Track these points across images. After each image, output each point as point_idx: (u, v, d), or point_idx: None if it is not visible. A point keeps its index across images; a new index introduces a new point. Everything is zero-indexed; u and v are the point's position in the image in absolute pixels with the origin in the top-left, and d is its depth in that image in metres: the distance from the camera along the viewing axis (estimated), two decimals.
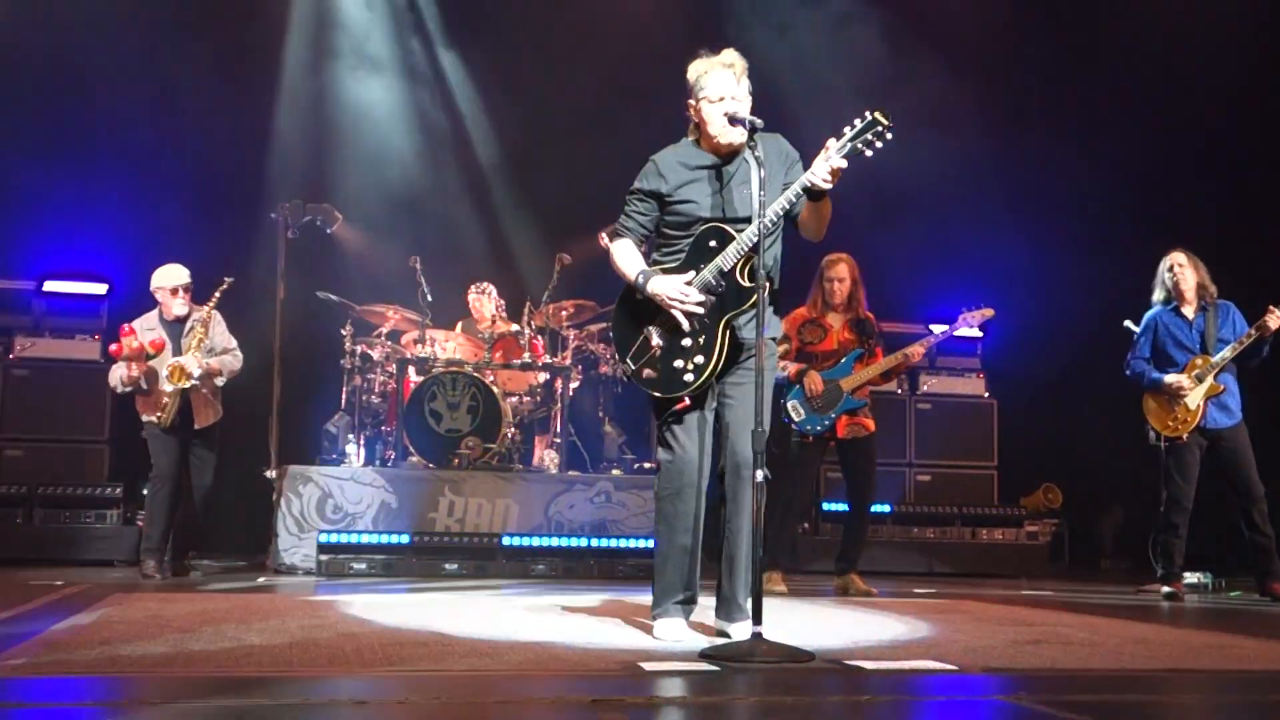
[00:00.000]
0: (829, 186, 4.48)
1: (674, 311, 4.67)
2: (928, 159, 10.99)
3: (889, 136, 4.44)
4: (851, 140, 4.45)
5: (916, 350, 7.62)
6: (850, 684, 3.88)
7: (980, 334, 10.34)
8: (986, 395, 10.44)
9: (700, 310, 4.64)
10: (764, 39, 10.60)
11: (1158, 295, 7.84)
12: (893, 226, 10.69)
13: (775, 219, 4.55)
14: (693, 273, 4.68)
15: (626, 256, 4.86)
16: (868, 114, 4.46)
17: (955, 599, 7.19)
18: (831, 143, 4.48)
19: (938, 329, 7.93)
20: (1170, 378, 7.62)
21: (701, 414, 4.78)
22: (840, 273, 7.54)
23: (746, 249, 4.60)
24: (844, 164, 4.45)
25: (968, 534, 9.87)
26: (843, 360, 7.50)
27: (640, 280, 4.75)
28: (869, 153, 4.46)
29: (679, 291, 4.66)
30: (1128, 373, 7.87)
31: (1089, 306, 10.64)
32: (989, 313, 7.67)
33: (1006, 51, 11.11)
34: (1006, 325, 10.86)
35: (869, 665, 4.14)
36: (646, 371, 4.76)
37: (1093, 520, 11.30)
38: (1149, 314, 7.87)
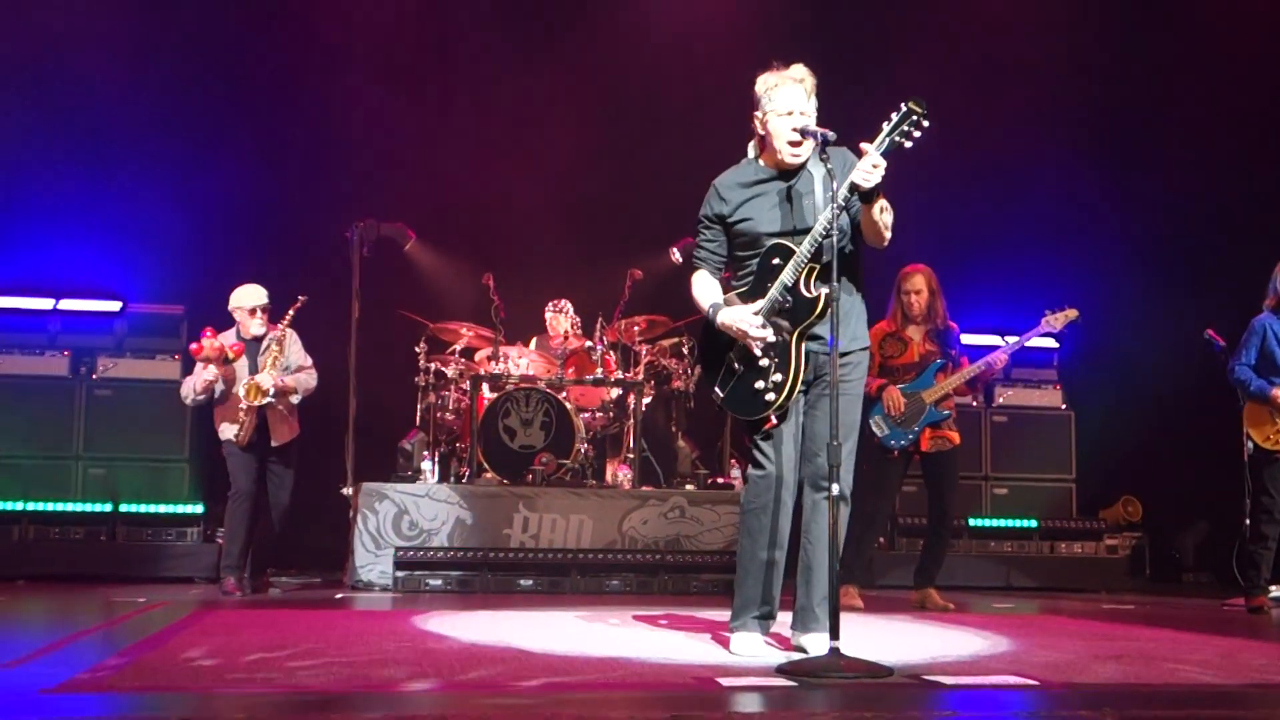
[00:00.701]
0: (869, 183, 4.44)
1: (746, 341, 4.69)
2: (1009, 170, 10.94)
3: (925, 124, 4.41)
4: (889, 134, 4.43)
5: (1000, 357, 7.52)
6: (930, 699, 3.84)
7: (1057, 345, 10.22)
8: (1064, 407, 10.30)
9: (769, 337, 4.64)
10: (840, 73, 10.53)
11: (1269, 301, 7.59)
12: (970, 237, 10.61)
13: (826, 228, 4.50)
14: (760, 300, 4.69)
15: (701, 288, 4.91)
16: (902, 105, 4.44)
17: (1034, 613, 7.10)
18: (868, 145, 4.46)
19: (1011, 339, 7.82)
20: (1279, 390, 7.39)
21: (791, 429, 4.77)
22: (917, 285, 7.45)
23: (805, 260, 4.58)
24: (881, 160, 4.42)
25: (1046, 547, 9.74)
26: (924, 372, 7.42)
27: (711, 314, 4.80)
28: (908, 144, 4.43)
29: (744, 323, 4.68)
30: (1231, 379, 7.63)
31: (1168, 315, 10.48)
32: (1073, 314, 7.50)
33: (1097, 66, 10.97)
34: (1084, 336, 10.71)
35: (949, 680, 4.10)
36: (734, 398, 4.78)
37: (1174, 533, 11.11)
38: (1257, 319, 7.58)
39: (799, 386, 4.67)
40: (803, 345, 4.67)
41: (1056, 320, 7.52)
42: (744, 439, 4.97)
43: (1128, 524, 10.53)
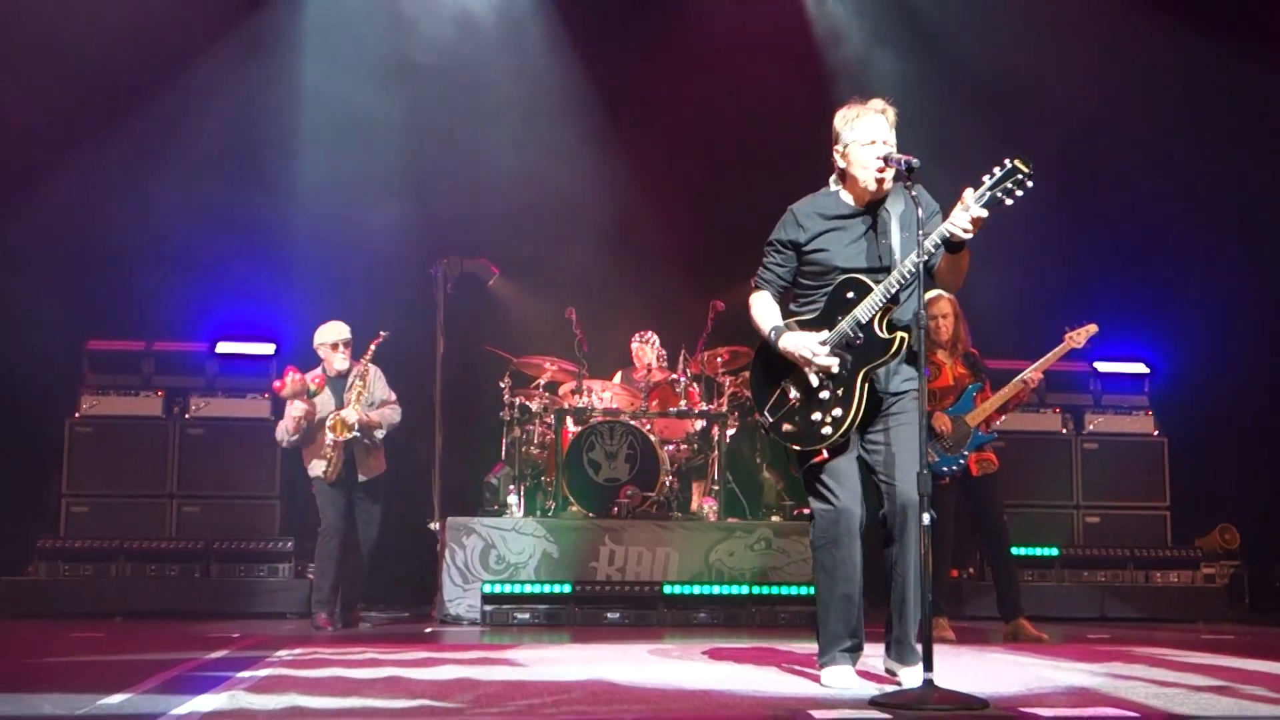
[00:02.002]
0: (969, 237, 4.42)
1: (806, 370, 4.66)
2: (1088, 184, 10.78)
3: (1029, 185, 4.36)
4: (990, 189, 4.39)
5: (1034, 375, 7.44)
6: None
7: (1147, 370, 10.07)
8: (1156, 433, 10.11)
9: (833, 368, 4.61)
10: (907, 84, 10.50)
11: None
12: (1039, 257, 10.49)
13: (913, 270, 4.49)
14: (826, 330, 4.66)
15: (762, 310, 4.89)
16: (1006, 162, 4.39)
17: (1131, 644, 6.95)
18: (969, 192, 4.42)
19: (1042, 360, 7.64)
20: None
21: (851, 461, 4.74)
22: (942, 309, 7.42)
23: (884, 301, 4.56)
24: (984, 214, 4.38)
25: (1140, 577, 9.54)
26: (962, 396, 7.38)
27: (773, 336, 4.77)
28: (1009, 201, 4.39)
29: (809, 351, 4.65)
30: None
31: (1263, 338, 10.26)
32: (1093, 329, 7.46)
33: (1173, 62, 10.78)
34: (1175, 360, 10.55)
35: (1046, 713, 4.03)
36: (785, 426, 4.75)
37: (1274, 561, 10.82)
38: None
39: (856, 424, 4.64)
40: (865, 385, 4.63)
41: (1078, 336, 7.46)
42: (790, 468, 4.91)
43: (1225, 552, 10.28)
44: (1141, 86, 10.69)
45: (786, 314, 4.86)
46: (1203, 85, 10.67)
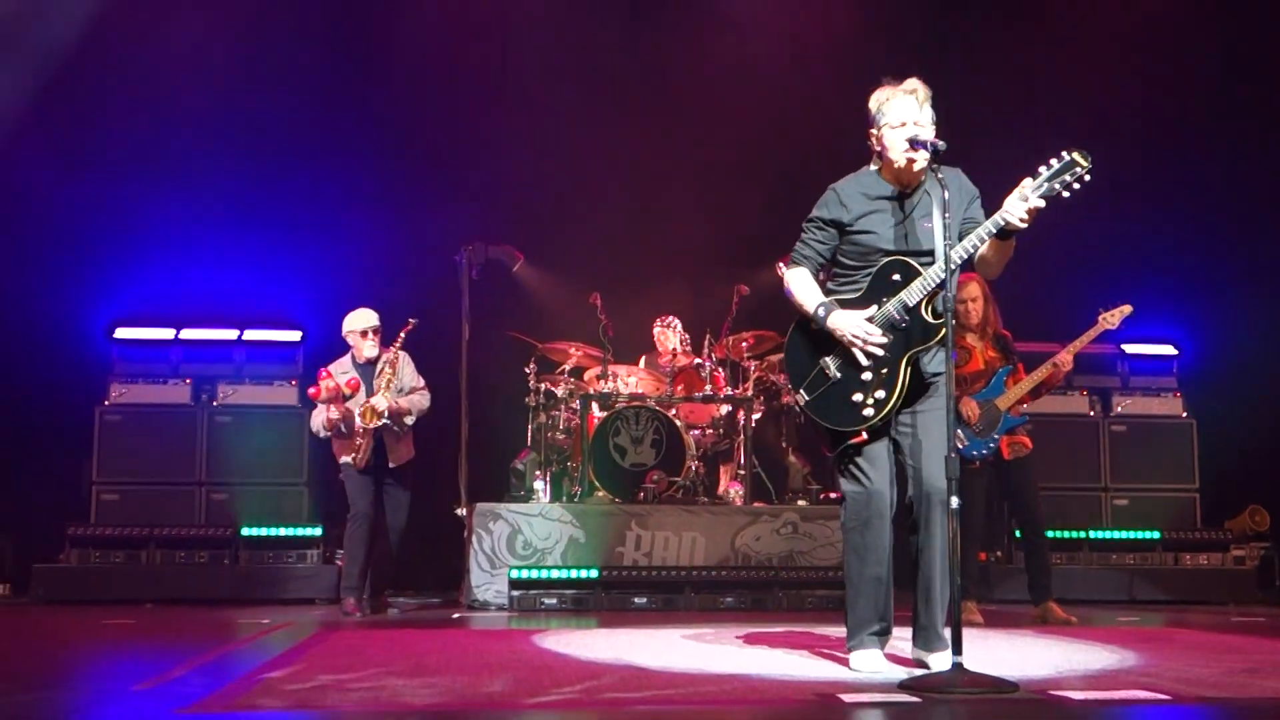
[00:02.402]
0: (1022, 226, 4.39)
1: (854, 349, 4.64)
2: (1107, 162, 10.69)
3: (1087, 179, 4.35)
4: (1048, 180, 4.37)
5: (1065, 358, 7.38)
6: (1058, 715, 3.78)
7: (1176, 351, 10.01)
8: (1185, 415, 10.05)
9: (881, 349, 4.60)
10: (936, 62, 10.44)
11: None
12: (1066, 238, 10.44)
13: (964, 255, 4.48)
14: (874, 307, 4.64)
15: (804, 286, 4.84)
16: (1065, 154, 4.37)
17: (1161, 626, 6.93)
18: (1027, 182, 4.39)
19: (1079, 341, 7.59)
20: None
21: (885, 444, 4.73)
22: (972, 293, 7.37)
23: (933, 284, 4.53)
24: (1042, 204, 4.36)
25: (1170, 559, 9.49)
26: (993, 380, 7.34)
27: (821, 313, 4.72)
28: (1066, 194, 4.37)
29: (862, 330, 4.62)
30: None
31: None
32: (1127, 309, 7.38)
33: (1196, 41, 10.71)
34: (1204, 341, 10.48)
35: (1076, 695, 4.02)
36: (823, 405, 4.73)
37: None
38: None
39: (898, 407, 4.63)
40: (909, 368, 4.62)
41: (1112, 318, 7.39)
42: (823, 448, 4.89)
43: (1255, 534, 10.23)
44: (1177, 66, 10.62)
45: (825, 292, 4.83)
46: (1237, 63, 10.60)
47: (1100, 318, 7.44)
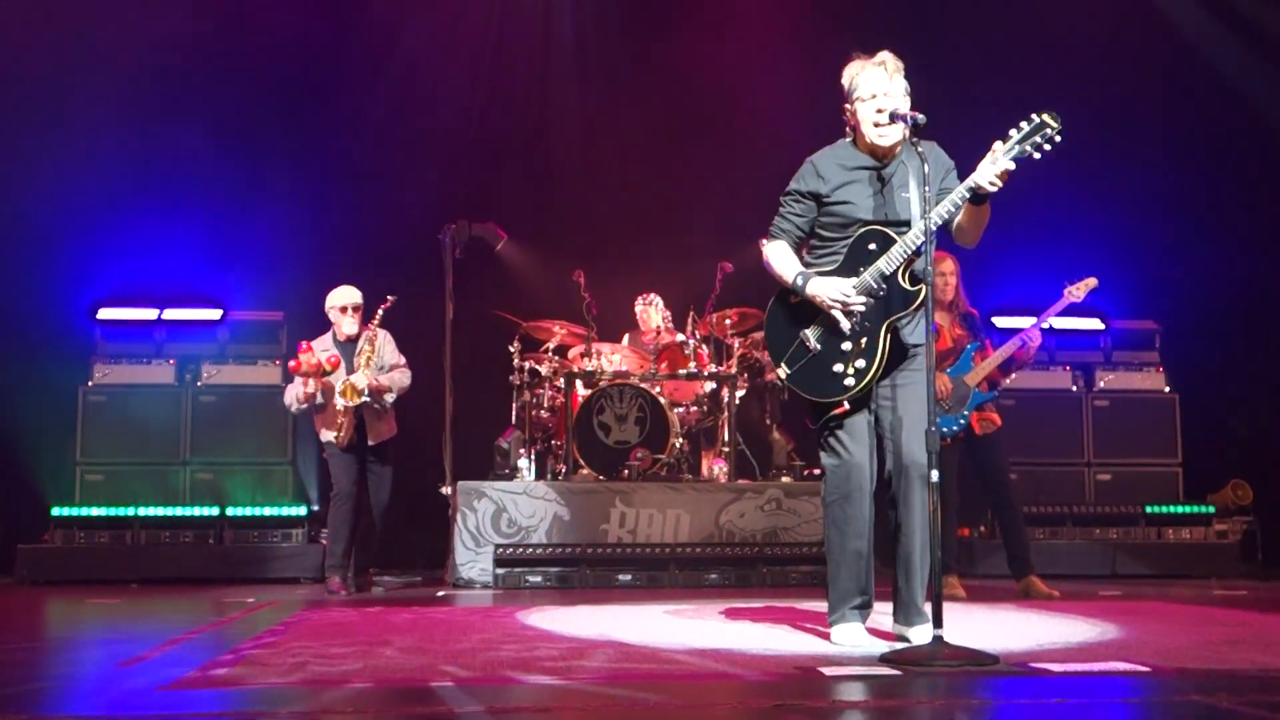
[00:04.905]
0: (995, 190, 4.41)
1: (834, 313, 4.64)
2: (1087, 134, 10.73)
3: (1058, 140, 4.36)
4: (1019, 143, 4.39)
5: (1033, 333, 7.43)
6: (1038, 687, 3.79)
7: (1157, 325, 10.05)
8: (1167, 390, 10.09)
9: (862, 310, 4.60)
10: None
11: None
12: (1044, 212, 10.47)
13: (939, 221, 4.49)
14: (854, 277, 4.64)
15: (782, 258, 4.84)
16: (1035, 117, 4.40)
17: (1143, 600, 6.97)
18: (998, 145, 4.42)
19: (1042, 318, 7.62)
20: None
21: (865, 417, 4.73)
22: (948, 268, 7.45)
23: (910, 252, 4.55)
24: (1012, 166, 4.39)
25: (1153, 534, 9.54)
26: (961, 357, 7.38)
27: (799, 282, 4.72)
28: (1037, 155, 4.39)
29: (840, 293, 4.62)
30: None
31: (1274, 289, 10.20)
32: (1092, 282, 7.41)
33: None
34: (1186, 315, 10.51)
35: (1056, 668, 4.04)
36: (805, 377, 4.73)
37: None
38: None
39: (879, 375, 4.64)
40: (889, 336, 4.63)
41: (1078, 290, 7.43)
42: (806, 420, 4.90)
43: (1238, 508, 10.27)
44: (1152, 45, 10.64)
45: (803, 264, 4.83)
46: (1216, 42, 10.61)
47: (1065, 291, 7.48)
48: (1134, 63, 10.70)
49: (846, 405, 4.69)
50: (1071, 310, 7.63)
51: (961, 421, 7.36)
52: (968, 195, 4.46)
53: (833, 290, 4.63)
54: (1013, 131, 4.40)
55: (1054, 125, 4.36)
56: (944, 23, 10.63)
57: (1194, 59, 10.66)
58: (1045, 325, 7.55)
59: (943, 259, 7.41)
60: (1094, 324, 10.26)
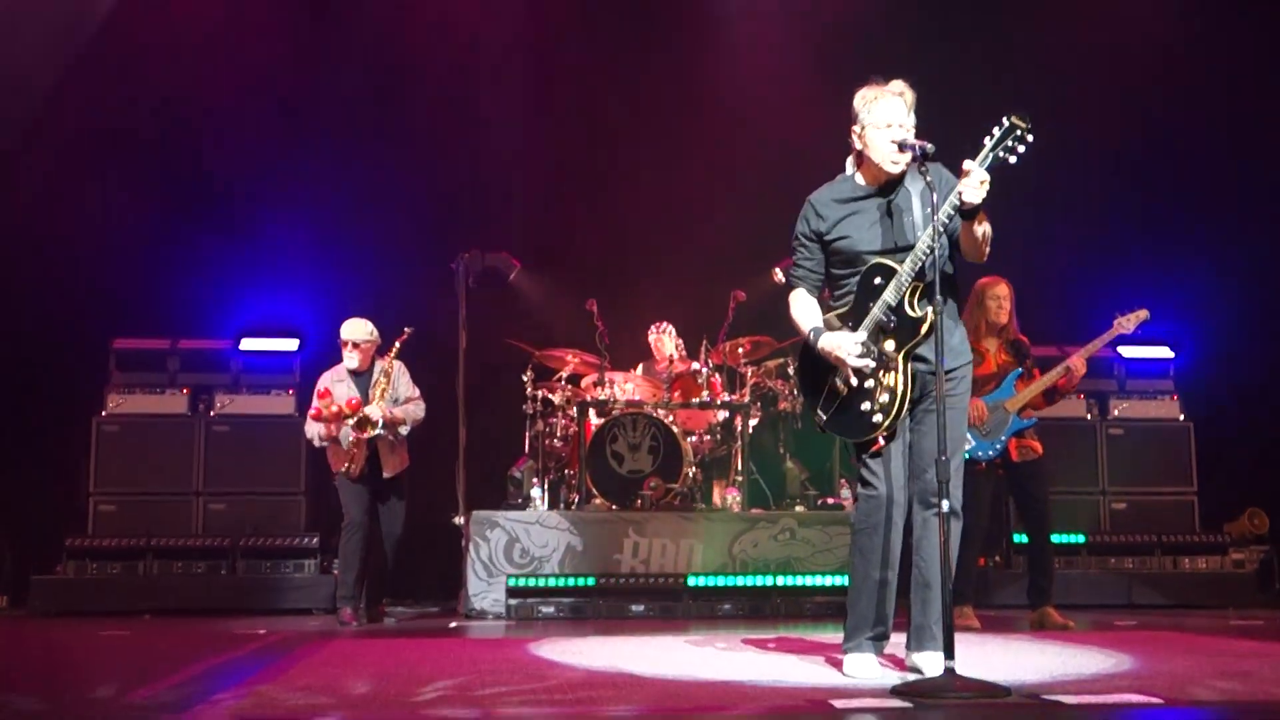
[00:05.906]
0: (977, 200, 4.39)
1: (847, 368, 4.66)
2: (1102, 167, 10.74)
3: (1030, 139, 4.36)
4: (991, 150, 4.38)
5: (1077, 362, 7.37)
6: (1051, 719, 3.76)
7: (1172, 354, 10.01)
8: (1182, 418, 10.04)
9: (868, 367, 4.61)
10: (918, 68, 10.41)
11: None
12: (1060, 244, 10.45)
13: (929, 246, 4.47)
14: (864, 332, 4.65)
15: (801, 309, 4.90)
16: (1004, 120, 4.39)
17: (1158, 630, 6.91)
18: (972, 159, 4.42)
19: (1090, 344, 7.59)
20: None
21: (900, 447, 4.73)
22: (1003, 292, 7.41)
23: (909, 279, 4.55)
24: (986, 175, 4.37)
25: (1169, 563, 9.48)
26: (1004, 382, 7.35)
27: (812, 339, 4.79)
28: (1012, 159, 4.39)
29: (845, 352, 4.65)
30: None
31: None
32: (1144, 314, 7.37)
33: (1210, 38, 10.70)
34: (1201, 343, 10.47)
35: (1069, 700, 4.01)
36: (839, 420, 4.75)
37: None
38: None
39: (906, 406, 4.63)
40: (909, 365, 4.62)
41: (1128, 322, 7.38)
42: (850, 459, 4.94)
43: (1254, 537, 10.21)
44: (1173, 69, 10.63)
45: (826, 308, 4.86)
46: (1239, 65, 10.60)
47: (1116, 321, 7.42)
48: (1163, 90, 10.69)
49: (882, 441, 4.70)
50: (1140, 339, 7.53)
51: (998, 447, 7.32)
52: (952, 212, 4.46)
53: (837, 350, 4.67)
54: (985, 139, 4.40)
55: (1023, 125, 4.35)
56: (959, 62, 10.62)
57: (1229, 87, 10.66)
58: (1089, 354, 7.49)
59: (997, 283, 7.38)
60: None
